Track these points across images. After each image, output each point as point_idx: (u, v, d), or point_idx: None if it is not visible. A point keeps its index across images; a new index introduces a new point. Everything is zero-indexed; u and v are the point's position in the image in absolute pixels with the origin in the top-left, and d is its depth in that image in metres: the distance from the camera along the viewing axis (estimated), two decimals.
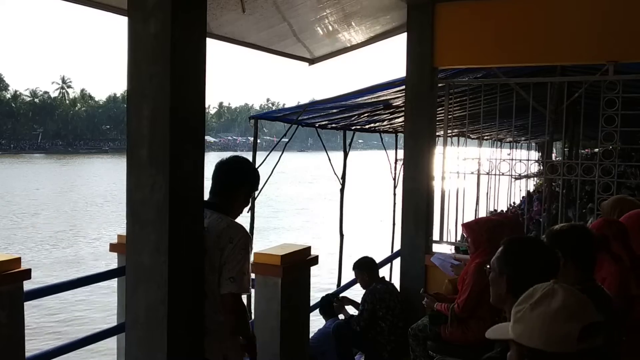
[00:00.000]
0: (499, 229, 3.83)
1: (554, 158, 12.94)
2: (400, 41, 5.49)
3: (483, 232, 3.89)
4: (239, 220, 2.68)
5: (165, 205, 2.32)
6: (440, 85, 5.36)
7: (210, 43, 5.38)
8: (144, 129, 2.36)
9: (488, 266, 2.10)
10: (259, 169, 7.09)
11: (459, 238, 8.01)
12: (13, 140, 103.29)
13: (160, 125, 2.33)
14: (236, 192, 2.64)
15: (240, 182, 2.64)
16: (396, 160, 10.38)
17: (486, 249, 3.88)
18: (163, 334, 2.36)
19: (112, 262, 4.56)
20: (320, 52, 6.63)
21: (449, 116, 5.51)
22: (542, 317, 1.41)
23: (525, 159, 5.40)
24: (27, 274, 3.04)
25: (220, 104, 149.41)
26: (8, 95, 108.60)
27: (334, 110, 8.02)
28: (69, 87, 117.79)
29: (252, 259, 3.47)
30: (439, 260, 4.86)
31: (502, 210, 12.70)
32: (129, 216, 2.43)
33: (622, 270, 2.81)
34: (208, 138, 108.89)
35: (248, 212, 7.40)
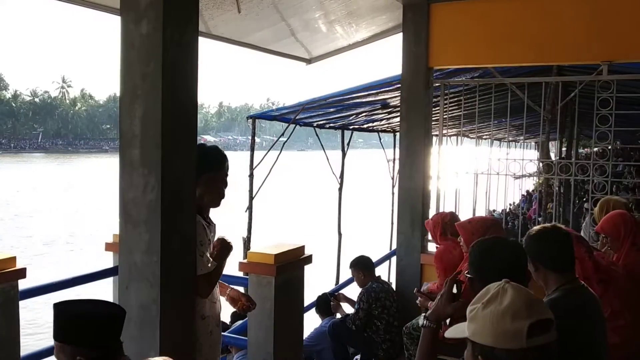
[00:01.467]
0: (492, 228, 3.85)
1: (552, 157, 12.94)
2: (397, 41, 5.52)
3: (475, 232, 3.90)
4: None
5: (157, 205, 2.33)
6: (435, 85, 5.38)
7: (209, 43, 5.45)
8: (136, 129, 2.38)
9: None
10: (256, 169, 7.17)
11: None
12: (13, 140, 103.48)
13: (152, 125, 2.34)
14: None
15: None
16: (394, 160, 10.39)
17: None
18: (155, 333, 2.37)
19: (109, 261, 4.58)
20: (317, 52, 6.65)
21: (445, 116, 5.53)
22: (493, 315, 1.46)
23: (520, 159, 5.40)
24: (22, 273, 3.06)
25: (221, 104, 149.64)
26: (8, 95, 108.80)
27: (332, 110, 8.04)
28: (69, 86, 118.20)
29: (246, 257, 3.51)
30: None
31: (491, 211, 12.67)
32: (122, 216, 2.45)
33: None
34: (208, 137, 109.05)
35: (246, 211, 7.43)
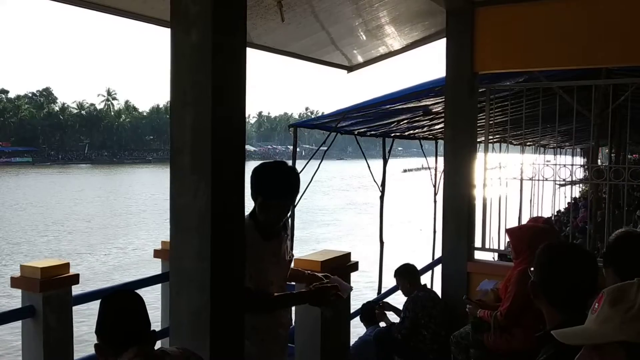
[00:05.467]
0: (542, 236, 3.75)
1: (599, 163, 12.59)
2: (439, 46, 5.45)
3: (525, 238, 3.82)
4: None
5: (207, 211, 2.35)
6: (480, 90, 5.29)
7: (249, 53, 5.48)
8: (187, 137, 2.40)
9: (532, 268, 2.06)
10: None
11: (502, 245, 7.87)
12: (61, 152, 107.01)
13: (202, 132, 2.37)
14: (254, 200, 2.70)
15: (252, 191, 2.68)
16: (435, 168, 10.28)
17: (528, 256, 3.81)
18: (206, 339, 2.38)
19: (154, 269, 4.66)
20: (358, 59, 6.64)
21: (490, 122, 5.43)
22: None
23: (569, 164, 5.26)
24: (75, 279, 3.14)
25: (260, 114, 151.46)
26: (57, 108, 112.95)
27: (373, 117, 8.01)
28: (114, 98, 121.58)
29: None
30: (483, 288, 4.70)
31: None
32: (172, 222, 2.47)
33: None
34: (248, 147, 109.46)
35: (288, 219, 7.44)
